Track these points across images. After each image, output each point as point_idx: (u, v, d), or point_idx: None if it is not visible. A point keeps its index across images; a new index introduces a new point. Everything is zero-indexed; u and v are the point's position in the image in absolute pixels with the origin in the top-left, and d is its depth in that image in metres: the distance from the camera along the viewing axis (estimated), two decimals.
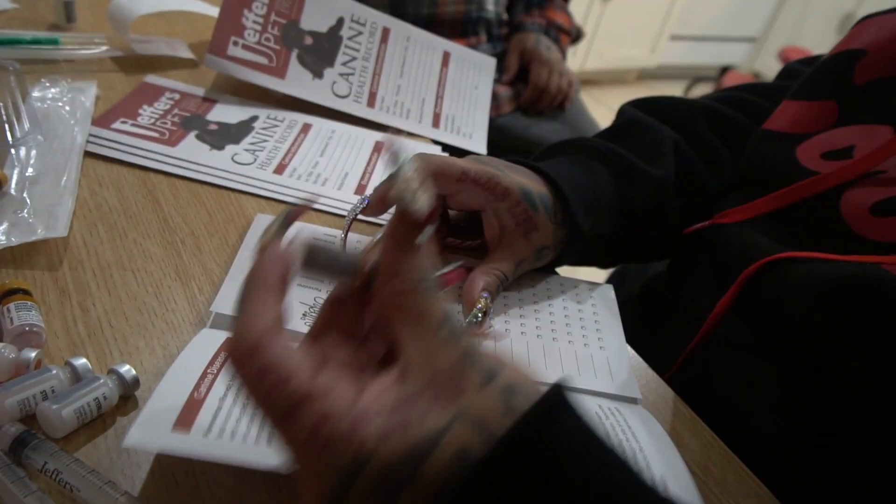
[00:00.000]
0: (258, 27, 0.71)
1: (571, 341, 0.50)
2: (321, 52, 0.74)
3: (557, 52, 1.45)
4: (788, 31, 4.09)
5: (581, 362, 0.49)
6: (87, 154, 0.58)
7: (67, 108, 0.60)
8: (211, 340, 0.42)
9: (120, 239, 0.50)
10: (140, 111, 0.65)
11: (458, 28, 1.34)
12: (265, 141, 0.65)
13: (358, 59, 0.76)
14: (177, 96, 0.69)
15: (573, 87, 1.45)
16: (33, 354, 0.38)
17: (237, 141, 0.64)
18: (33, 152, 0.54)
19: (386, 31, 0.78)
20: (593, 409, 0.44)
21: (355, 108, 0.73)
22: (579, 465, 0.22)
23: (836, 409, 0.45)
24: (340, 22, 0.75)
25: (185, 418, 0.35)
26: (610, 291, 0.56)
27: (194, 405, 0.36)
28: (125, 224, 0.52)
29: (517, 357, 0.48)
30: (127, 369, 0.39)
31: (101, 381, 0.37)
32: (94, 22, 0.81)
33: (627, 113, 0.66)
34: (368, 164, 0.66)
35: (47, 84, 0.63)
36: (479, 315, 0.47)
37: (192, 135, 0.63)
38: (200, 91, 0.71)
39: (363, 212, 0.49)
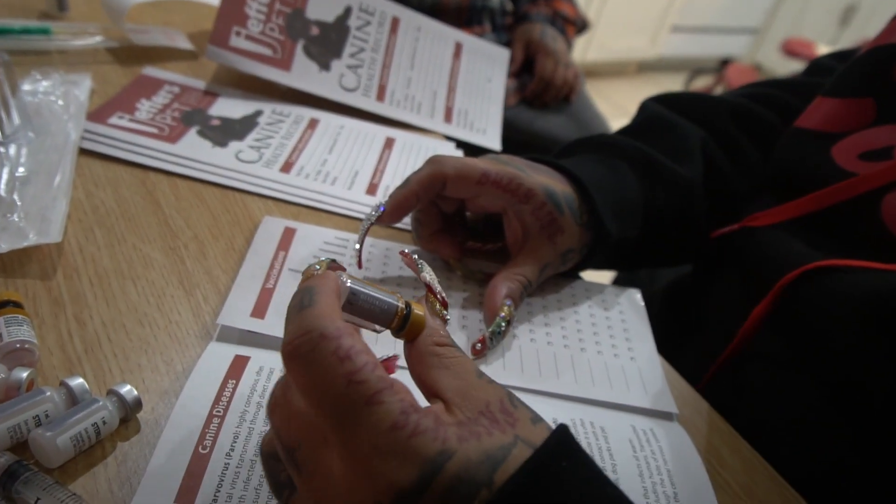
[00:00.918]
0: (262, 16, 0.67)
1: (601, 351, 0.47)
2: (328, 42, 0.70)
3: (563, 43, 1.42)
4: (790, 22, 4.05)
5: (612, 374, 0.46)
6: (82, 151, 0.54)
7: (60, 102, 0.57)
8: (218, 363, 0.39)
9: (118, 244, 0.47)
10: (138, 105, 0.61)
11: (463, 17, 1.31)
12: (270, 137, 0.61)
13: (367, 51, 0.72)
14: (177, 89, 0.65)
15: (579, 79, 1.42)
16: (25, 374, 0.35)
17: (241, 137, 0.60)
18: (24, 150, 0.50)
19: (395, 21, 0.75)
20: (627, 434, 0.41)
21: (364, 101, 0.70)
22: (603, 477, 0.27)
23: (886, 428, 0.42)
24: (348, 11, 0.72)
25: (188, 488, 0.32)
26: (637, 296, 0.53)
27: (200, 462, 0.33)
28: (124, 228, 0.48)
29: (545, 369, 0.45)
30: (128, 389, 0.35)
31: (100, 403, 0.34)
32: (87, 11, 0.77)
33: (650, 109, 0.62)
34: (379, 161, 0.63)
35: (38, 76, 0.59)
36: (503, 324, 0.44)
37: (193, 130, 0.60)
38: (201, 84, 0.67)
39: (378, 220, 0.46)
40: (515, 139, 1.35)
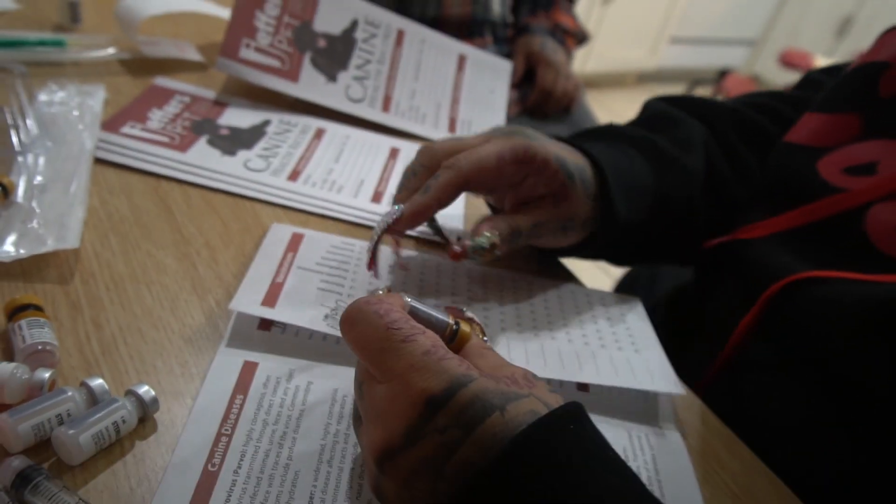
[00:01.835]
0: (271, 29, 0.69)
1: (604, 345, 0.48)
2: (335, 54, 0.72)
3: (563, 55, 1.44)
4: (787, 33, 4.09)
5: (617, 364, 0.47)
6: (97, 160, 0.56)
7: (75, 112, 0.58)
8: (227, 375, 0.41)
9: (133, 250, 0.48)
10: (149, 115, 0.63)
11: (465, 29, 1.33)
12: (278, 146, 0.63)
13: (372, 63, 0.74)
14: (187, 99, 0.67)
15: (579, 89, 1.44)
16: (47, 375, 0.36)
17: (249, 146, 0.62)
18: (41, 159, 0.52)
19: (401, 34, 0.76)
20: (622, 443, 0.43)
21: (370, 112, 0.71)
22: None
23: (877, 429, 0.43)
24: (354, 24, 0.73)
25: (199, 501, 0.34)
26: (639, 305, 0.55)
27: (209, 479, 0.35)
28: (138, 234, 0.50)
29: (551, 363, 0.46)
30: (146, 390, 0.37)
31: (119, 403, 0.35)
32: (100, 22, 0.79)
33: (655, 106, 0.64)
34: (385, 170, 0.64)
35: (55, 87, 0.61)
36: (485, 243, 0.45)
37: (202, 140, 0.61)
38: (211, 94, 0.69)
39: (395, 224, 0.46)
40: None
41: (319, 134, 0.67)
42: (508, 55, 1.42)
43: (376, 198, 0.60)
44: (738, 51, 4.22)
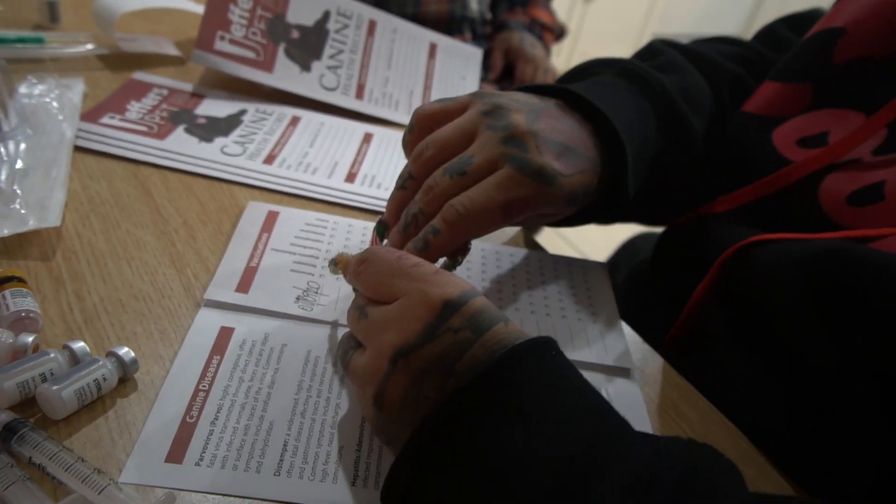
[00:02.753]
0: (244, 21, 0.71)
1: (565, 316, 0.51)
2: (308, 45, 0.74)
3: (542, 50, 1.46)
4: None
5: (575, 336, 0.49)
6: (77, 149, 0.57)
7: (55, 104, 0.60)
8: (204, 337, 0.43)
9: (113, 229, 0.50)
10: (128, 106, 0.65)
11: (443, 27, 1.35)
12: (254, 133, 0.65)
13: (345, 52, 0.76)
14: (165, 92, 0.69)
15: None
16: (31, 339, 0.38)
17: (226, 134, 0.64)
18: (22, 146, 0.54)
19: (372, 24, 0.79)
20: None
21: (344, 100, 0.74)
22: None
23: (806, 378, 0.44)
24: (326, 15, 0.76)
25: (178, 448, 0.36)
26: (602, 269, 0.57)
27: (187, 429, 0.37)
28: (118, 215, 0.52)
29: None
30: (126, 351, 0.39)
31: (100, 362, 0.37)
32: (79, 22, 0.81)
33: (668, 54, 0.60)
34: (358, 153, 0.66)
35: (34, 81, 0.63)
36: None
37: (180, 128, 0.63)
38: (188, 87, 0.71)
39: None
40: None
41: (295, 121, 0.69)
42: (487, 52, 1.44)
43: (350, 178, 0.62)
44: None
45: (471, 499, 0.30)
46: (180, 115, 0.65)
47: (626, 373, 0.48)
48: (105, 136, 0.59)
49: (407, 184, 0.44)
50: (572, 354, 0.47)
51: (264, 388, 0.40)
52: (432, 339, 0.33)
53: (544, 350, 0.33)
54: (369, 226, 0.56)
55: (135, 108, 0.65)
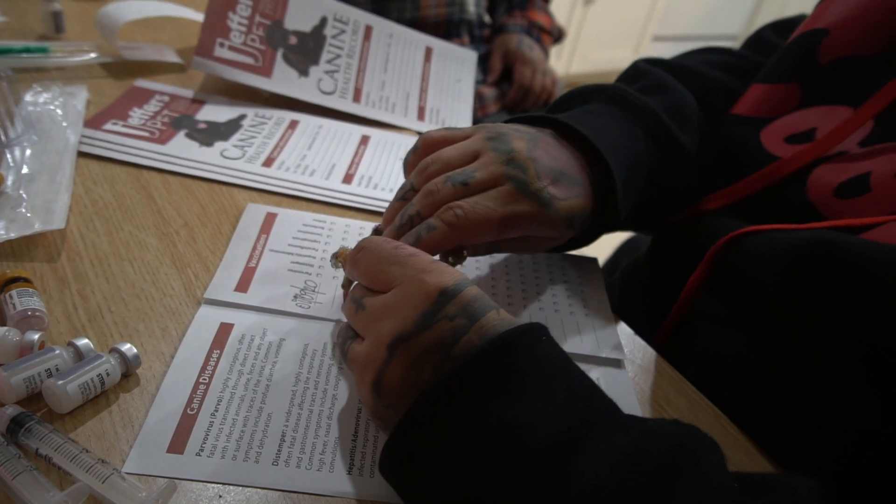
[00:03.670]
0: (243, 28, 0.72)
1: (558, 310, 0.52)
2: (306, 50, 0.75)
3: (540, 52, 1.48)
4: None
5: (568, 329, 0.50)
6: (81, 154, 0.59)
7: (59, 111, 0.62)
8: (205, 333, 0.44)
9: (116, 232, 0.52)
10: (130, 113, 0.66)
11: (441, 30, 1.37)
12: (253, 137, 0.67)
13: (342, 57, 0.77)
14: (166, 98, 0.71)
15: (557, 85, 1.48)
16: (37, 336, 0.39)
17: (226, 138, 0.65)
18: (28, 152, 0.55)
19: (369, 29, 0.80)
20: None
21: (341, 103, 0.75)
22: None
23: (795, 362, 0.45)
24: (324, 21, 0.77)
25: (179, 439, 0.37)
26: (595, 264, 0.58)
27: (188, 421, 0.38)
28: (120, 218, 0.53)
29: None
30: (128, 347, 0.40)
31: (104, 358, 0.39)
32: (82, 32, 0.82)
33: (654, 74, 0.60)
34: (355, 155, 0.68)
35: (39, 89, 0.64)
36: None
37: (181, 133, 0.65)
38: (189, 93, 0.73)
39: None
40: None
41: (293, 125, 0.70)
42: (486, 55, 1.46)
43: (347, 179, 0.63)
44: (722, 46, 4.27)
45: (463, 470, 0.31)
46: (181, 121, 0.67)
47: (617, 363, 0.49)
48: (108, 141, 0.61)
49: (408, 195, 0.46)
50: (565, 347, 0.47)
51: (263, 380, 0.41)
52: (429, 326, 0.34)
53: (537, 335, 0.35)
54: (366, 225, 0.57)
55: (137, 115, 0.66)
